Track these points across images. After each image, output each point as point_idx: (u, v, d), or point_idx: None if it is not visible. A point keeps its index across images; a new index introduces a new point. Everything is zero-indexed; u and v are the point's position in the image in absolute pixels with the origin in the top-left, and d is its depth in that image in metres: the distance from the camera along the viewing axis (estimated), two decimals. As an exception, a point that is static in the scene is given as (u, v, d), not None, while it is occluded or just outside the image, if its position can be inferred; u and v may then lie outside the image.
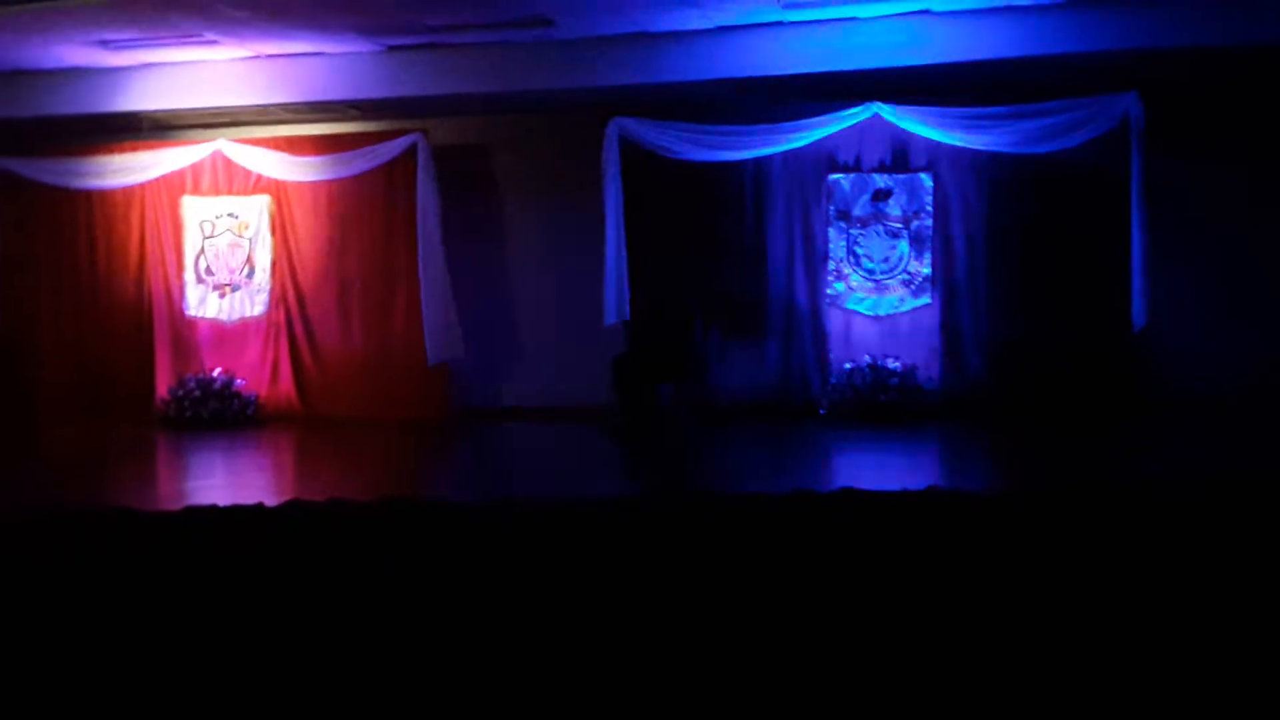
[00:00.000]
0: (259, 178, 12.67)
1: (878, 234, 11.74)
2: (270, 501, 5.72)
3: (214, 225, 12.84)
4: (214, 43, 11.09)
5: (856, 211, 11.77)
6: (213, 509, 5.63)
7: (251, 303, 12.78)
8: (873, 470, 8.67)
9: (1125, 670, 4.95)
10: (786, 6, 10.29)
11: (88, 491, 8.01)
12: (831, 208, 11.83)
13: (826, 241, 11.83)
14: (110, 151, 12.68)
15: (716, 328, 10.71)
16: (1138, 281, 10.87)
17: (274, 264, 12.73)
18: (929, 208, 11.66)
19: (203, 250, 12.85)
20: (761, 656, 5.12)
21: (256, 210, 12.78)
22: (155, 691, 5.17)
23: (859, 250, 11.78)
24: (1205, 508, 5.27)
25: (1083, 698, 4.90)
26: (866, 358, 11.50)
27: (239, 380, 12.49)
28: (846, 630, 5.10)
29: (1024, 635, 5.04)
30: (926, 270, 11.66)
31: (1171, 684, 4.85)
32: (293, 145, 12.56)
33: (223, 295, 12.81)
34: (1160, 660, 4.96)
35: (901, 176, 11.71)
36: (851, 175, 11.78)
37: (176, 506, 5.87)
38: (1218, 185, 11.20)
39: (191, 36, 10.88)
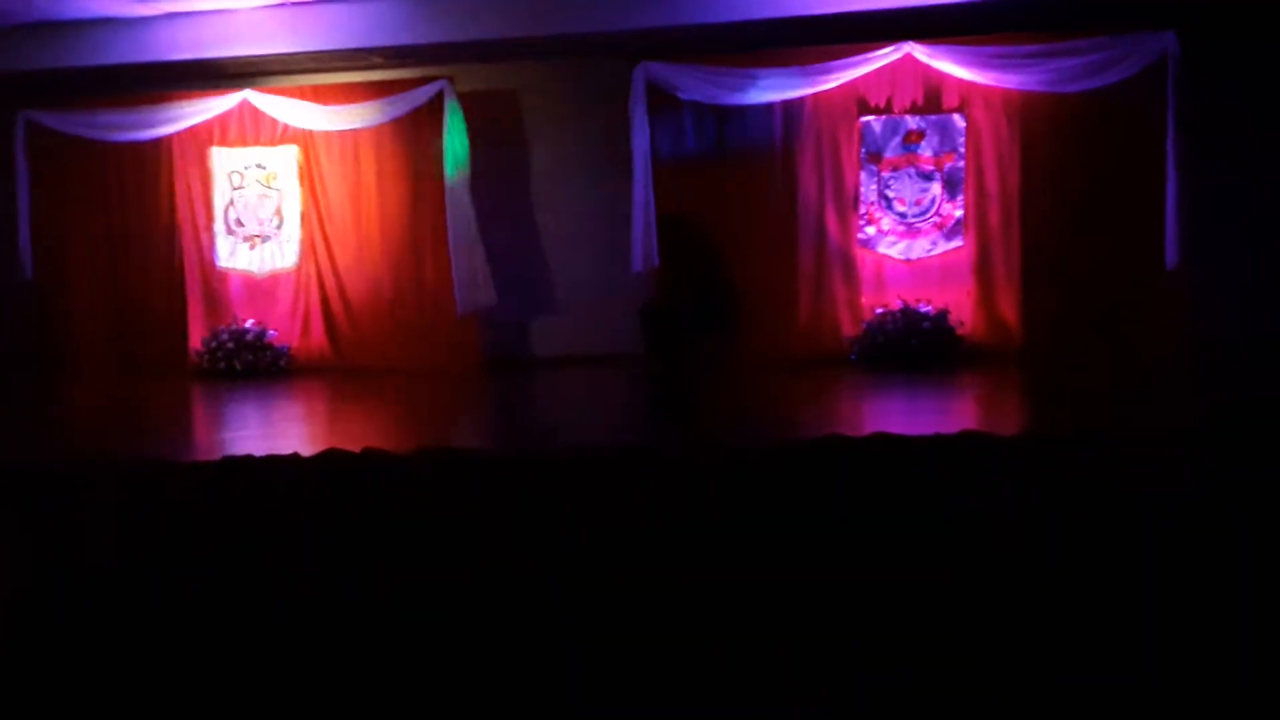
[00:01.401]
0: (286, 128, 12.65)
1: (909, 176, 11.64)
2: (306, 451, 5.74)
3: (242, 176, 12.84)
4: (240, -9, 11.05)
5: (888, 154, 11.66)
6: (249, 459, 5.65)
7: (282, 254, 12.81)
8: (905, 415, 8.64)
9: (1132, 633, 4.94)
10: (816, -54, 10.15)
11: (124, 444, 8.07)
12: (863, 150, 11.72)
13: (858, 185, 11.73)
14: (138, 103, 12.67)
15: (746, 273, 10.63)
16: (1172, 221, 10.75)
17: (303, 214, 12.74)
18: (961, 149, 11.54)
19: (232, 202, 12.86)
20: (795, 603, 5.13)
21: (284, 161, 12.77)
22: (195, 643, 5.22)
23: (890, 193, 11.68)
24: (1239, 450, 5.22)
25: (1091, 661, 4.90)
26: (898, 302, 11.44)
27: (271, 331, 12.54)
28: (881, 577, 5.10)
29: (1062, 582, 5.03)
30: (959, 213, 11.56)
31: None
32: (320, 94, 12.52)
33: (253, 247, 12.84)
34: (1168, 623, 4.95)
35: (933, 118, 11.58)
36: (882, 117, 11.66)
37: (214, 457, 5.90)
38: (1254, 123, 11.03)
39: (217, -15, 10.84)
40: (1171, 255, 10.75)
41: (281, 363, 12.47)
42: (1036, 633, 4.97)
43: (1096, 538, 5.09)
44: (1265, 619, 4.86)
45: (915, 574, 5.08)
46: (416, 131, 12.37)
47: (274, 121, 12.63)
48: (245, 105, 12.57)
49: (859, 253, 11.75)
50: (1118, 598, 4.99)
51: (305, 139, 12.69)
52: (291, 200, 12.76)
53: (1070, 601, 5.00)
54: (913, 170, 11.64)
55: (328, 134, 12.59)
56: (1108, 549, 5.07)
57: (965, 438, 5.57)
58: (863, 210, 11.73)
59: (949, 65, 11.23)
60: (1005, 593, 5.06)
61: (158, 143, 12.75)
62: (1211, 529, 5.04)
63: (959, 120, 11.53)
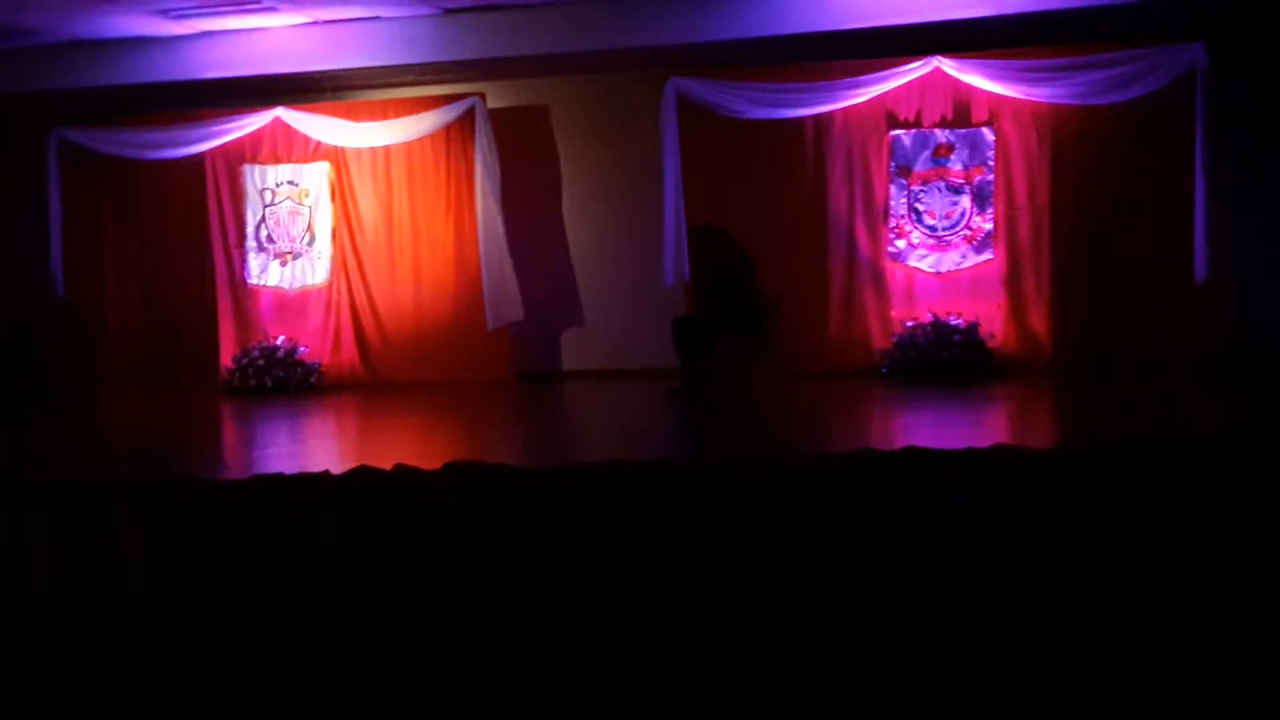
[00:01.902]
0: (318, 144, 12.73)
1: (939, 190, 11.61)
2: (336, 469, 5.75)
3: (274, 193, 12.93)
4: (272, 9, 11.13)
5: (918, 167, 11.64)
6: (279, 477, 5.67)
7: (313, 270, 12.87)
8: (936, 428, 8.60)
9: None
10: (844, -40, 10.16)
11: (154, 462, 8.11)
12: (892, 164, 11.70)
13: (887, 198, 11.71)
14: (171, 121, 12.78)
15: (777, 287, 10.62)
16: (1201, 233, 10.71)
17: (334, 231, 12.80)
18: (991, 162, 11.51)
19: (263, 219, 12.94)
20: (826, 614, 5.11)
21: (316, 177, 12.84)
22: (225, 659, 5.24)
23: (920, 207, 11.65)
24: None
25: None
26: (929, 315, 11.40)
27: (302, 348, 12.60)
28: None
29: (1094, 593, 4.99)
30: (989, 226, 11.52)
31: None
32: (351, 111, 12.60)
33: (284, 264, 12.91)
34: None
35: (963, 131, 11.55)
36: (912, 131, 11.64)
37: (244, 475, 5.92)
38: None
39: (250, 3, 10.92)
40: (1201, 268, 10.70)
41: (312, 379, 12.52)
42: (1036, 633, 4.95)
43: (1096, 538, 5.06)
44: (1265, 619, 4.82)
45: (915, 574, 5.06)
46: (448, 147, 12.44)
47: (306, 138, 12.71)
48: (277, 122, 12.66)
49: (889, 266, 11.73)
50: (1118, 598, 4.96)
51: (337, 156, 12.76)
52: (323, 217, 12.84)
53: (1070, 601, 4.97)
54: (942, 184, 11.61)
55: (359, 150, 12.66)
56: (1108, 549, 5.03)
57: (998, 451, 5.54)
58: (893, 224, 11.71)
59: (977, 79, 11.22)
60: (1005, 593, 5.03)
61: (190, 160, 12.83)
62: (1211, 529, 5.01)
63: (988, 134, 11.50)
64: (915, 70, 11.29)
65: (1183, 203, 10.80)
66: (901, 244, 11.70)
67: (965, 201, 11.58)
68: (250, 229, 12.94)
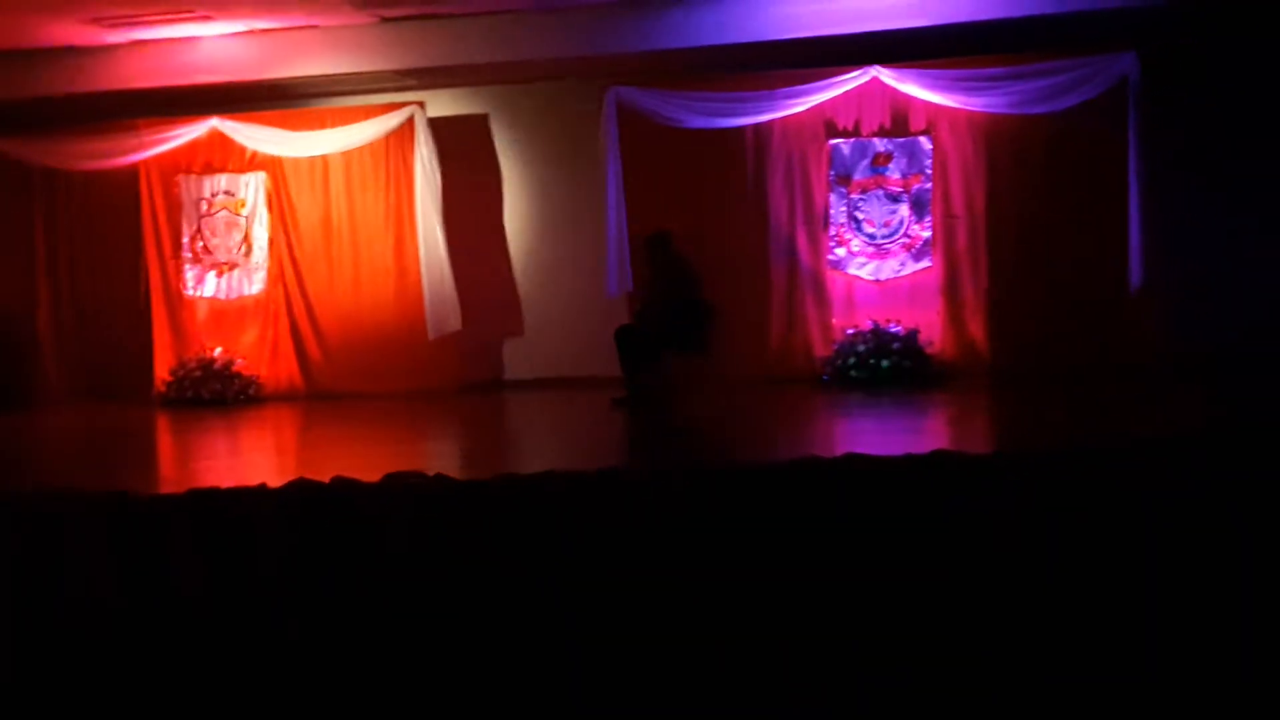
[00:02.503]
0: (255, 154, 12.61)
1: (878, 198, 11.70)
2: (274, 482, 5.68)
3: (210, 203, 12.79)
4: (207, 18, 11.02)
5: (857, 176, 11.73)
6: (215, 491, 5.59)
7: (250, 281, 12.75)
8: (877, 435, 8.65)
9: (1132, 633, 4.95)
10: (783, -30, 10.22)
11: (89, 475, 7.99)
12: (832, 173, 11.78)
13: (827, 206, 11.79)
14: (104, 131, 12.60)
15: (719, 295, 10.65)
16: (1135, 241, 10.88)
17: (272, 241, 12.68)
18: (929, 171, 11.61)
19: (199, 229, 12.80)
20: (770, 626, 5.11)
21: (253, 187, 12.72)
22: (160, 677, 5.16)
23: (860, 215, 11.73)
24: (1206, 462, 5.25)
25: (1091, 661, 4.90)
26: (869, 322, 11.47)
27: (239, 359, 12.46)
28: (854, 597, 5.09)
29: (1034, 601, 5.03)
30: (927, 234, 11.62)
31: (1191, 691, 4.84)
32: (288, 120, 12.49)
33: (220, 275, 12.77)
34: (1168, 623, 4.96)
35: (901, 140, 11.65)
36: (851, 140, 11.72)
37: (180, 489, 5.83)
38: (1214, 143, 11.11)
39: (184, 12, 10.81)
40: (1135, 275, 10.87)
41: (250, 391, 12.39)
42: (1036, 633, 4.98)
43: (1096, 538, 5.10)
44: (1265, 619, 4.87)
45: (915, 574, 5.08)
46: (387, 156, 12.37)
47: (242, 148, 12.59)
48: (214, 132, 12.52)
49: (829, 274, 11.79)
50: (1118, 598, 5.00)
51: (274, 165, 12.64)
52: (260, 227, 12.71)
53: (1070, 601, 5.00)
54: (881, 192, 11.70)
55: (297, 160, 12.55)
56: (1108, 549, 5.07)
57: (938, 457, 5.57)
58: (833, 232, 11.79)
59: (915, 88, 11.33)
60: (1005, 593, 5.06)
61: (124, 170, 12.67)
62: (1211, 529, 5.06)
63: (926, 143, 11.61)
64: (853, 80, 11.38)
65: (1118, 211, 10.97)
66: (841, 252, 11.77)
67: (904, 210, 11.67)
68: (186, 240, 12.80)
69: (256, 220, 12.71)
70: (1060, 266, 11.27)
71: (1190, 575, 4.99)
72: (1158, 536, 5.06)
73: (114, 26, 11.15)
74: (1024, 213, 11.39)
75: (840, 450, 5.94)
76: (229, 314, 12.76)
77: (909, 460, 5.45)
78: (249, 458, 9.13)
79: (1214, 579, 4.97)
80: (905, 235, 11.66)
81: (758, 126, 11.72)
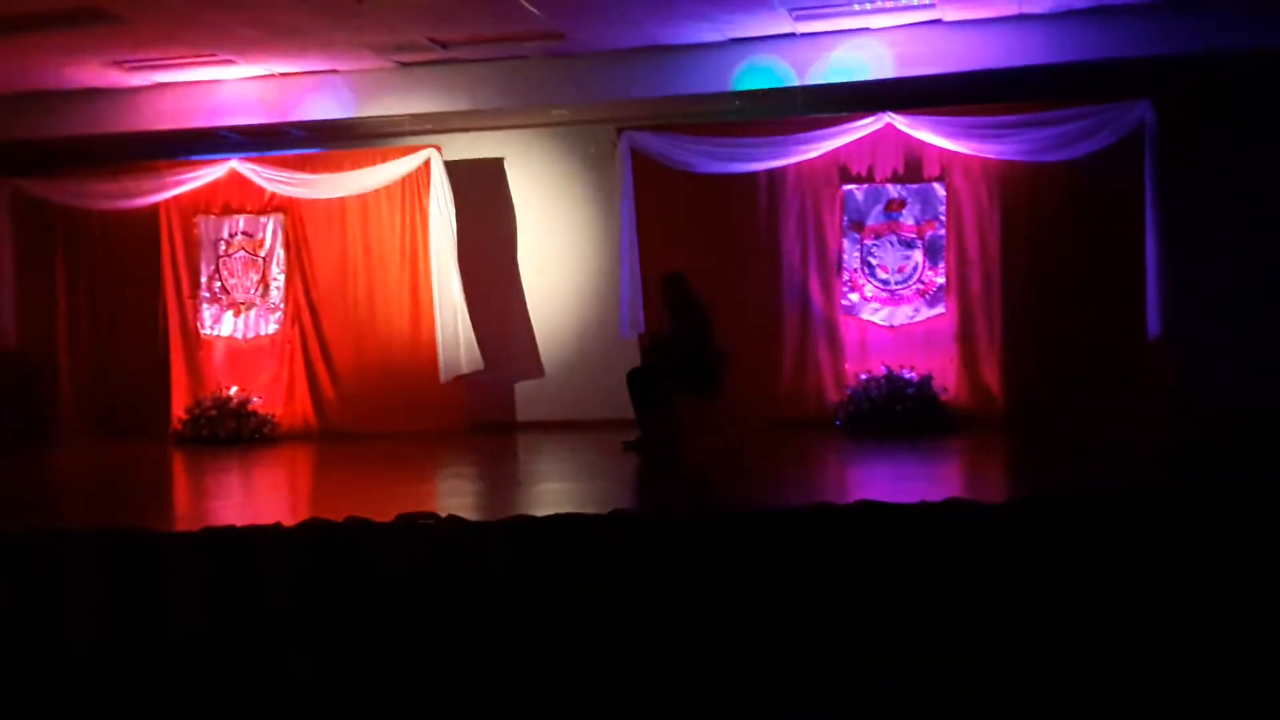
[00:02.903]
0: (273, 195, 12.72)
1: (891, 244, 11.73)
2: (288, 521, 5.71)
3: (228, 244, 12.89)
4: (229, 62, 11.14)
5: (870, 222, 11.76)
6: (230, 529, 5.62)
7: (266, 321, 12.83)
8: (891, 481, 8.64)
9: (1147, 677, 4.93)
10: (798, 18, 10.30)
11: (105, 512, 8.02)
12: (845, 218, 11.82)
13: (840, 252, 11.81)
14: (125, 172, 12.75)
15: (732, 338, 10.67)
16: (1152, 289, 10.86)
17: (288, 281, 12.76)
18: (943, 217, 11.63)
19: (217, 269, 12.89)
20: (781, 671, 5.11)
21: (271, 228, 12.82)
22: (171, 715, 5.17)
23: (873, 261, 11.76)
24: (1221, 513, 5.24)
25: (1104, 705, 4.89)
26: (882, 368, 11.47)
27: (255, 398, 12.51)
28: (867, 645, 5.09)
29: (1048, 647, 5.02)
30: (941, 280, 11.63)
31: (1191, 691, 4.83)
32: (307, 163, 12.61)
33: (237, 314, 12.86)
34: (1182, 668, 4.94)
35: (915, 186, 11.68)
36: (864, 186, 11.76)
37: (194, 527, 5.86)
38: (1232, 189, 11.11)
39: (205, 56, 10.93)
40: (1153, 324, 10.84)
41: (265, 430, 12.42)
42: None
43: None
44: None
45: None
46: (403, 199, 12.46)
47: (261, 189, 12.70)
48: (232, 174, 12.65)
49: (842, 319, 11.81)
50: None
51: (292, 206, 12.75)
52: (277, 267, 12.80)
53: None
54: (895, 238, 11.73)
55: (314, 202, 12.65)
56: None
57: (953, 505, 5.57)
58: (846, 277, 11.80)
59: (929, 135, 11.38)
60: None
61: (144, 211, 12.80)
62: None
63: (939, 189, 11.64)
64: (867, 126, 11.44)
65: (1134, 258, 10.95)
66: (854, 297, 11.79)
67: (917, 255, 11.69)
68: (204, 279, 12.89)
69: (274, 261, 12.81)
70: (1076, 313, 11.23)
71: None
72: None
73: (136, 70, 11.28)
74: (1039, 259, 11.38)
75: (853, 497, 5.94)
76: (245, 353, 12.83)
77: (923, 508, 5.45)
78: (263, 496, 9.16)
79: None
80: (919, 281, 11.67)
81: (771, 171, 11.77)
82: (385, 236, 12.59)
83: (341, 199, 12.58)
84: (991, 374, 11.51)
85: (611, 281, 11.81)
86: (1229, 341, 11.01)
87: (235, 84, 11.79)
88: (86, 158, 12.71)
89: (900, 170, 11.67)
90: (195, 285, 12.90)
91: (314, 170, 12.56)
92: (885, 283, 11.74)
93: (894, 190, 11.72)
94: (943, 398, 11.34)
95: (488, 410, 12.54)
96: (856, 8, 10.14)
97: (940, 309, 11.64)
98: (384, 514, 5.63)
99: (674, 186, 11.85)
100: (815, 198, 11.85)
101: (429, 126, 12.30)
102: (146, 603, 5.42)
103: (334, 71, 11.63)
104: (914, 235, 11.69)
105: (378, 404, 12.46)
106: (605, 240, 12.03)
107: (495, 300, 12.58)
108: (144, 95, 11.93)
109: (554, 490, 8.87)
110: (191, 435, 12.29)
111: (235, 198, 12.86)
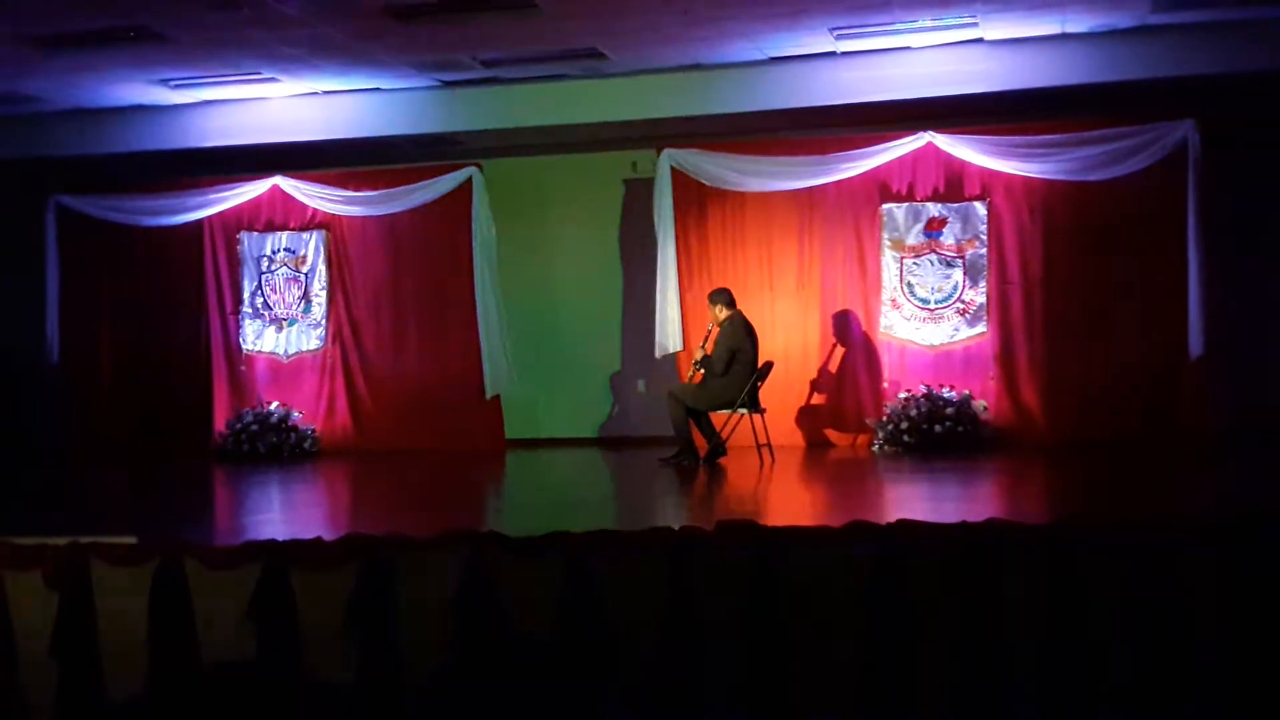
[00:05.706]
0: (315, 212, 12.83)
1: (931, 263, 11.68)
2: (328, 535, 5.74)
3: (271, 260, 13.00)
4: (273, 80, 11.25)
5: (910, 240, 11.72)
6: (271, 543, 5.66)
7: (308, 337, 12.92)
8: (929, 501, 8.59)
9: (1182, 699, 4.90)
10: (839, 37, 10.30)
11: (147, 526, 8.08)
12: (885, 236, 11.79)
13: (880, 271, 11.78)
14: (169, 189, 12.90)
15: (769, 356, 10.65)
16: (1195, 309, 10.76)
17: (330, 298, 12.86)
18: (983, 236, 11.58)
19: (260, 285, 13.00)
20: (819, 689, 5.10)
21: (313, 245, 12.92)
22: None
23: (913, 279, 11.72)
24: (1264, 541, 5.19)
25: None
26: (922, 388, 11.41)
27: (295, 414, 12.59)
28: (906, 663, 5.07)
29: (1085, 668, 4.98)
30: (981, 299, 11.57)
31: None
32: (349, 180, 12.71)
33: (279, 330, 12.96)
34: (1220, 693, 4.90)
35: (955, 205, 11.64)
36: (904, 204, 11.73)
37: (235, 541, 5.90)
38: (1275, 212, 11.00)
39: (250, 74, 11.05)
40: (1195, 344, 10.74)
41: (306, 445, 12.50)
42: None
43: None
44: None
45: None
46: (444, 217, 12.51)
47: (303, 206, 12.81)
48: (275, 190, 12.78)
49: (881, 338, 11.77)
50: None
51: (334, 224, 12.86)
52: (319, 284, 12.90)
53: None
54: (935, 257, 11.68)
55: (356, 219, 12.75)
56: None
57: (992, 525, 5.54)
58: (885, 296, 11.77)
59: (970, 154, 11.34)
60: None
61: (187, 227, 12.95)
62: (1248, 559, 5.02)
63: (980, 208, 11.59)
64: (907, 144, 11.42)
65: (1177, 278, 10.87)
66: (894, 316, 11.75)
67: (958, 275, 11.64)
68: (247, 295, 13.01)
69: (316, 277, 12.90)
70: (1118, 334, 11.15)
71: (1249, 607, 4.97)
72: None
73: (181, 87, 11.41)
74: (1081, 279, 11.31)
75: (892, 516, 5.92)
76: (286, 369, 12.92)
77: (963, 528, 5.42)
78: (303, 511, 9.21)
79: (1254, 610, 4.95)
80: (959, 300, 11.62)
81: (811, 189, 11.76)
82: (427, 254, 12.66)
83: (384, 216, 12.66)
84: (1031, 394, 11.43)
85: (649, 298, 11.82)
86: (1272, 361, 10.91)
87: (280, 101, 11.90)
88: (131, 174, 12.85)
89: (941, 189, 11.63)
90: (238, 301, 13.01)
91: (356, 188, 12.66)
92: (925, 301, 11.69)
93: (934, 209, 11.68)
94: (982, 418, 11.27)
95: (525, 427, 12.58)
96: (899, 26, 10.14)
97: (981, 329, 11.57)
98: (424, 529, 5.66)
99: (713, 205, 11.89)
100: (855, 216, 11.83)
101: (471, 145, 12.37)
102: (184, 617, 5.47)
103: (377, 90, 11.71)
104: (954, 254, 11.64)
105: (417, 421, 12.52)
106: (644, 258, 12.05)
107: (534, 317, 12.63)
108: (189, 112, 12.07)
109: (591, 506, 8.87)
110: (232, 449, 12.37)
111: (278, 214, 12.98)
